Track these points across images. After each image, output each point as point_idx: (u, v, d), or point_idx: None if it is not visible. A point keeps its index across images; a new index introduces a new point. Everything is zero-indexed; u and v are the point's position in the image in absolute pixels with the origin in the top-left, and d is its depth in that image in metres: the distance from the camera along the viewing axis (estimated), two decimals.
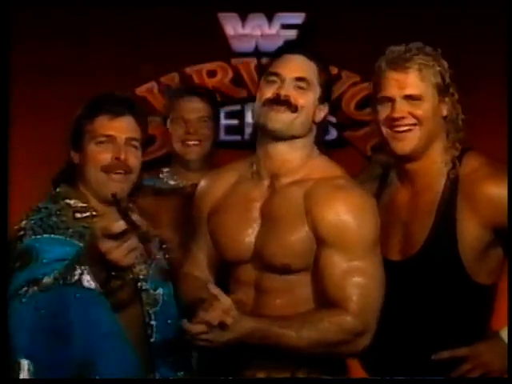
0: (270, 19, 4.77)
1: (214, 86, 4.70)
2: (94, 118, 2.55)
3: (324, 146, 2.68)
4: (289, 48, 2.70)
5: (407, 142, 2.57)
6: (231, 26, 4.78)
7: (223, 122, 4.64)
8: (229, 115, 4.69)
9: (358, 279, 2.44)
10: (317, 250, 2.47)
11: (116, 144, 2.54)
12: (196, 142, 3.23)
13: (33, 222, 2.46)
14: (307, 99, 2.55)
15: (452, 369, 2.56)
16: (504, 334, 2.56)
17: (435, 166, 2.60)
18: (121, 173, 2.53)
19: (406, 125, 2.57)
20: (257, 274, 2.56)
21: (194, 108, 3.26)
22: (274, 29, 4.77)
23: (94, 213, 2.53)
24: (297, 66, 2.55)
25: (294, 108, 2.52)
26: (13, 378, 2.22)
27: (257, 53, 4.74)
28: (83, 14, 4.64)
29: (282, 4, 4.73)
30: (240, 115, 4.76)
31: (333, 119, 4.72)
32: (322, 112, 2.59)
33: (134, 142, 2.57)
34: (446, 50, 2.65)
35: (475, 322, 2.62)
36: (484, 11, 4.50)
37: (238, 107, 4.74)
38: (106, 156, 2.53)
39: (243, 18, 4.77)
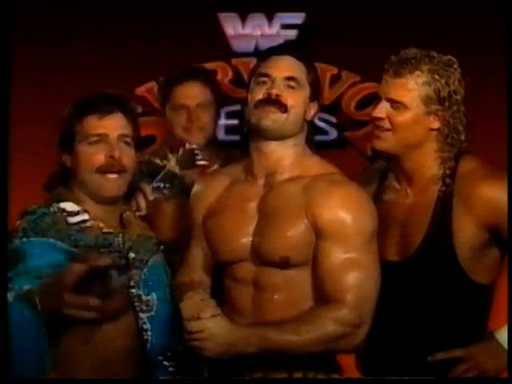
0: (269, 19, 4.77)
1: None
2: (82, 118, 2.49)
3: (315, 146, 2.71)
4: (276, 50, 2.71)
5: (380, 142, 2.63)
6: (231, 25, 4.77)
7: (223, 121, 4.65)
8: (229, 115, 4.68)
9: (355, 271, 2.46)
10: (315, 243, 2.50)
11: (108, 142, 2.48)
12: (198, 130, 3.19)
13: (26, 223, 2.42)
14: (297, 98, 2.58)
15: (448, 369, 2.57)
16: (499, 335, 2.58)
17: (429, 171, 2.63)
18: (116, 172, 2.48)
19: (381, 127, 2.61)
20: (255, 270, 2.57)
21: (193, 94, 3.22)
22: (274, 29, 4.77)
23: (87, 217, 2.47)
24: (286, 66, 2.59)
25: (283, 108, 2.56)
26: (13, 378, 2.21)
27: (257, 53, 4.73)
28: (83, 14, 4.64)
29: (281, 4, 4.73)
30: (240, 115, 4.75)
31: (333, 119, 4.73)
32: (313, 110, 2.63)
33: (127, 139, 2.51)
34: (446, 50, 2.65)
35: (473, 321, 2.63)
36: (484, 11, 4.50)
37: (237, 107, 4.73)
38: (99, 156, 2.47)
39: (243, 18, 4.77)
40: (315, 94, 2.64)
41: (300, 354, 2.44)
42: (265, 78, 2.59)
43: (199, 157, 2.91)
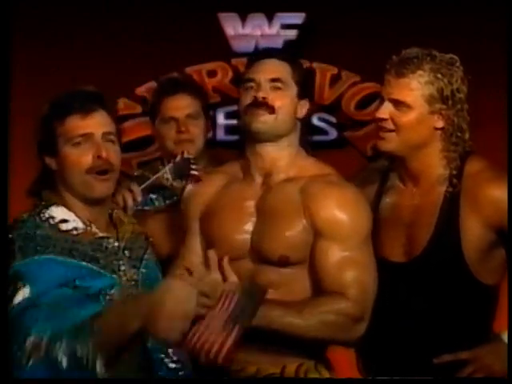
0: (269, 19, 4.77)
1: (214, 85, 4.71)
2: (64, 119, 2.41)
3: (314, 146, 2.75)
4: (260, 54, 2.76)
5: (385, 144, 2.62)
6: (231, 25, 4.77)
7: (223, 121, 4.66)
8: (229, 115, 4.68)
9: (354, 269, 2.51)
10: (313, 243, 2.55)
11: (94, 142, 2.40)
12: (188, 142, 3.19)
13: (21, 240, 2.34)
14: (284, 98, 2.62)
15: (454, 371, 2.57)
16: (506, 337, 2.57)
17: (435, 171, 2.63)
18: (105, 172, 2.41)
19: (385, 128, 2.60)
20: (252, 268, 2.60)
21: (182, 105, 3.22)
22: (274, 29, 4.77)
23: (80, 224, 2.41)
24: (270, 68, 2.64)
25: (271, 109, 2.60)
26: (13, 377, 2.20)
27: (257, 53, 4.73)
28: (83, 14, 4.65)
29: (281, 4, 4.73)
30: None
31: (333, 119, 4.74)
32: (304, 108, 2.67)
33: (112, 137, 2.44)
34: (447, 50, 2.65)
35: (479, 322, 2.63)
36: (484, 11, 4.50)
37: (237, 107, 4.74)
38: (87, 157, 2.40)
39: (243, 18, 4.77)
40: (304, 92, 2.67)
41: (298, 337, 2.47)
42: (251, 83, 2.63)
43: (194, 166, 2.94)
